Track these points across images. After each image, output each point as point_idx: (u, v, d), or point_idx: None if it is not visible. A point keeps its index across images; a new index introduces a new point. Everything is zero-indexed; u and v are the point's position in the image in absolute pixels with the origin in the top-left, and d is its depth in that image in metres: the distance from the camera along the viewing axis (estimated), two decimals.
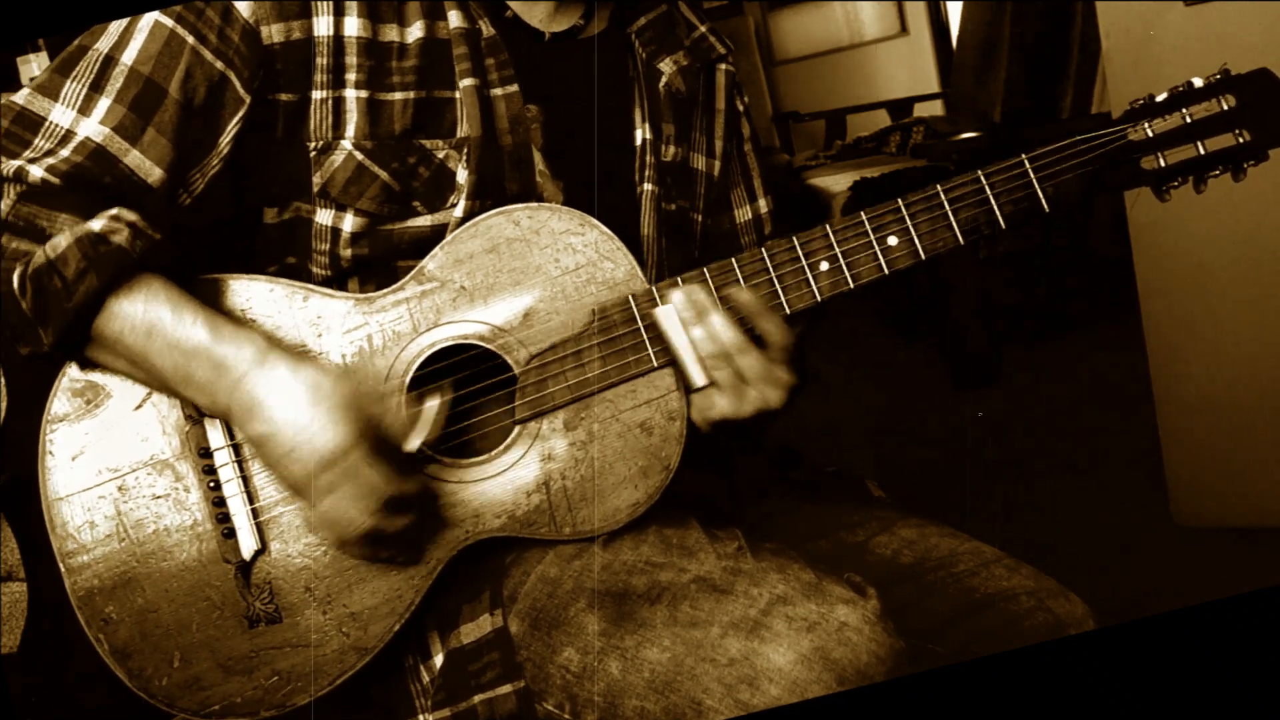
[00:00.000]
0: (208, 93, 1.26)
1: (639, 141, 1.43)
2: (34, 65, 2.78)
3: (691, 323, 1.27)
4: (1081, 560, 2.82)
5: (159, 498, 1.25)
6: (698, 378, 1.28)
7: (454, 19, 1.33)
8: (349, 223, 1.31)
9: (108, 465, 1.25)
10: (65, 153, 1.21)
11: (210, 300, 1.25)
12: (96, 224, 1.18)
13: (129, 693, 1.24)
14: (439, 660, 1.29)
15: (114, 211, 1.20)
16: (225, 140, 1.28)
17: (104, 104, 1.23)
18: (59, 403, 1.25)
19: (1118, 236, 3.14)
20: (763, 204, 1.61)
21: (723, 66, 1.55)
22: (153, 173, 1.24)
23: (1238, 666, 1.21)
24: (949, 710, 1.21)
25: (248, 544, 1.25)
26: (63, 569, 1.24)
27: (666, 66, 1.46)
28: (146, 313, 1.19)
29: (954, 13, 6.29)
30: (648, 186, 1.42)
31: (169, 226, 1.25)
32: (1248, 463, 2.89)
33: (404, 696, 1.31)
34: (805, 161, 5.64)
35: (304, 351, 1.26)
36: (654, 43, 1.47)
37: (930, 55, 6.54)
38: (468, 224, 1.28)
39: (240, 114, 1.28)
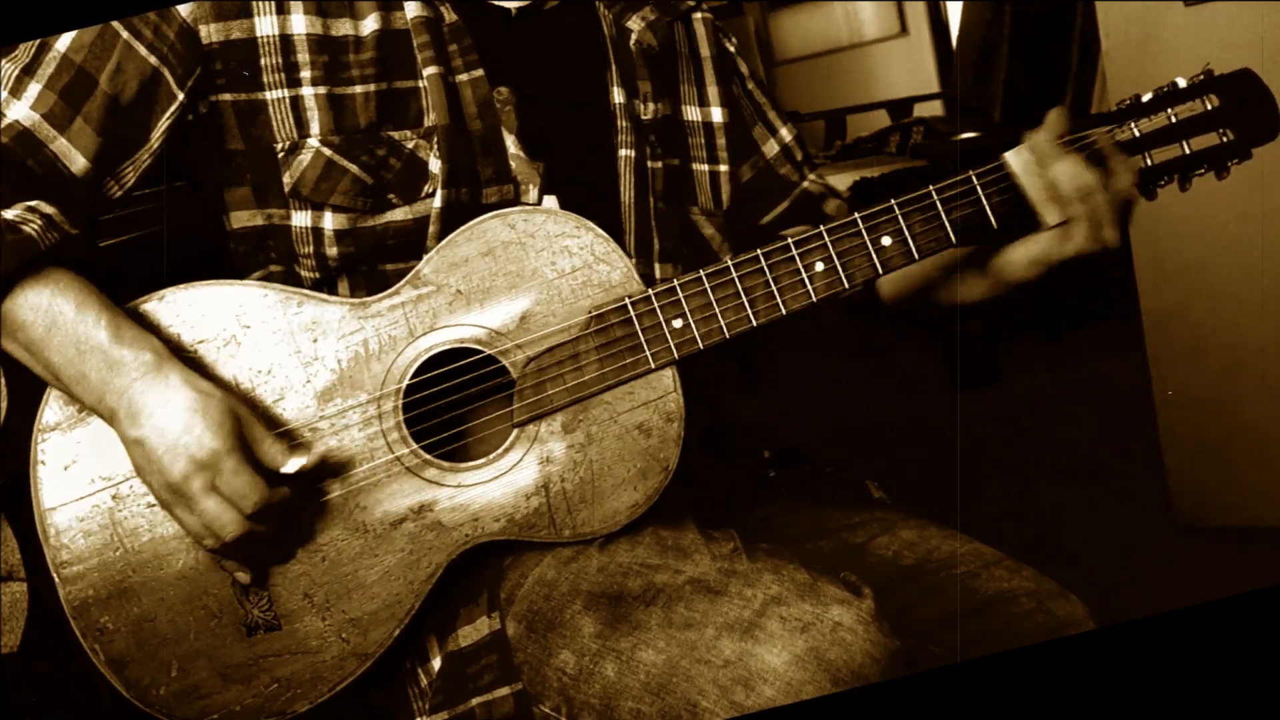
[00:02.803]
0: (139, 87, 1.26)
1: (613, 106, 1.43)
2: None
3: (1052, 159, 1.29)
4: (1081, 560, 2.82)
5: (153, 505, 1.24)
6: (1051, 215, 1.29)
7: (412, 8, 1.33)
8: (329, 221, 1.31)
9: (101, 474, 1.24)
10: None
11: (203, 308, 1.26)
12: (10, 213, 1.19)
13: (126, 699, 1.24)
14: (437, 663, 1.29)
15: (31, 202, 1.20)
16: (156, 135, 1.29)
17: (34, 89, 1.24)
18: (50, 412, 1.24)
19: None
20: (785, 133, 1.61)
21: (699, 15, 1.55)
22: (77, 161, 1.25)
23: (1238, 666, 1.21)
24: (949, 710, 1.21)
25: None
26: (57, 579, 1.23)
27: (634, 24, 1.46)
28: (51, 306, 1.19)
29: (954, 13, 6.28)
30: (625, 152, 1.42)
31: (88, 220, 1.26)
32: (1248, 463, 2.89)
33: (402, 700, 1.30)
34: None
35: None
36: (619, 2, 1.47)
37: (930, 55, 6.54)
38: (463, 227, 1.28)
39: (172, 110, 1.29)
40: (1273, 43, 2.58)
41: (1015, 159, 1.31)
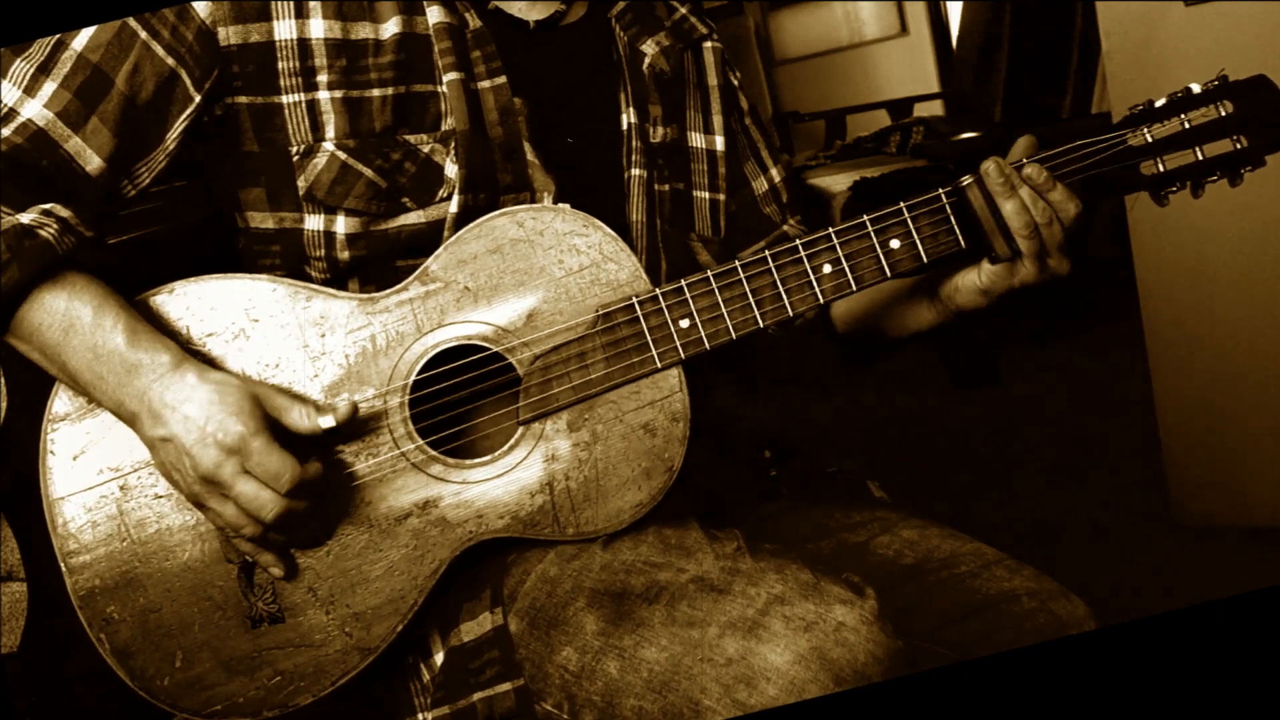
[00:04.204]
0: (156, 88, 1.26)
1: (625, 126, 1.44)
2: None
3: (1003, 195, 1.29)
4: (1081, 560, 2.83)
5: (161, 497, 1.25)
6: (1004, 249, 1.31)
7: (434, 14, 1.33)
8: (341, 225, 1.32)
9: (109, 464, 1.24)
10: (5, 132, 1.22)
11: (212, 301, 1.26)
12: (26, 217, 1.18)
13: (129, 692, 1.24)
14: (439, 658, 1.29)
15: (47, 206, 1.20)
16: (172, 137, 1.29)
17: (49, 87, 1.23)
18: (60, 402, 1.25)
19: (1117, 236, 3.14)
20: (775, 173, 1.62)
21: (709, 44, 1.56)
22: (92, 161, 1.24)
23: (1238, 666, 1.21)
24: (949, 710, 1.21)
25: None
26: (64, 569, 1.23)
27: (649, 48, 1.47)
28: (68, 310, 1.19)
29: (954, 13, 6.28)
30: (635, 171, 1.43)
31: (102, 222, 1.26)
32: (1248, 463, 2.89)
33: (404, 695, 1.31)
34: (805, 161, 5.63)
35: (302, 350, 1.27)
36: (634, 25, 1.48)
37: (930, 55, 6.54)
38: (471, 224, 1.28)
39: (189, 112, 1.28)
40: (1273, 43, 2.58)
41: (972, 191, 1.31)
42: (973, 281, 1.35)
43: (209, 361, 1.24)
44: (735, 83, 1.59)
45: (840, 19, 6.88)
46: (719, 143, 1.54)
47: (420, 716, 1.29)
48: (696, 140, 1.52)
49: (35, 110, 1.23)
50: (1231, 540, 2.88)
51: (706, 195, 1.53)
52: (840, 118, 6.07)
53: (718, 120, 1.54)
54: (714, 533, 1.28)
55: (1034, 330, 4.64)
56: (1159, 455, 3.02)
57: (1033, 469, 3.58)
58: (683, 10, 1.54)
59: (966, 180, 1.31)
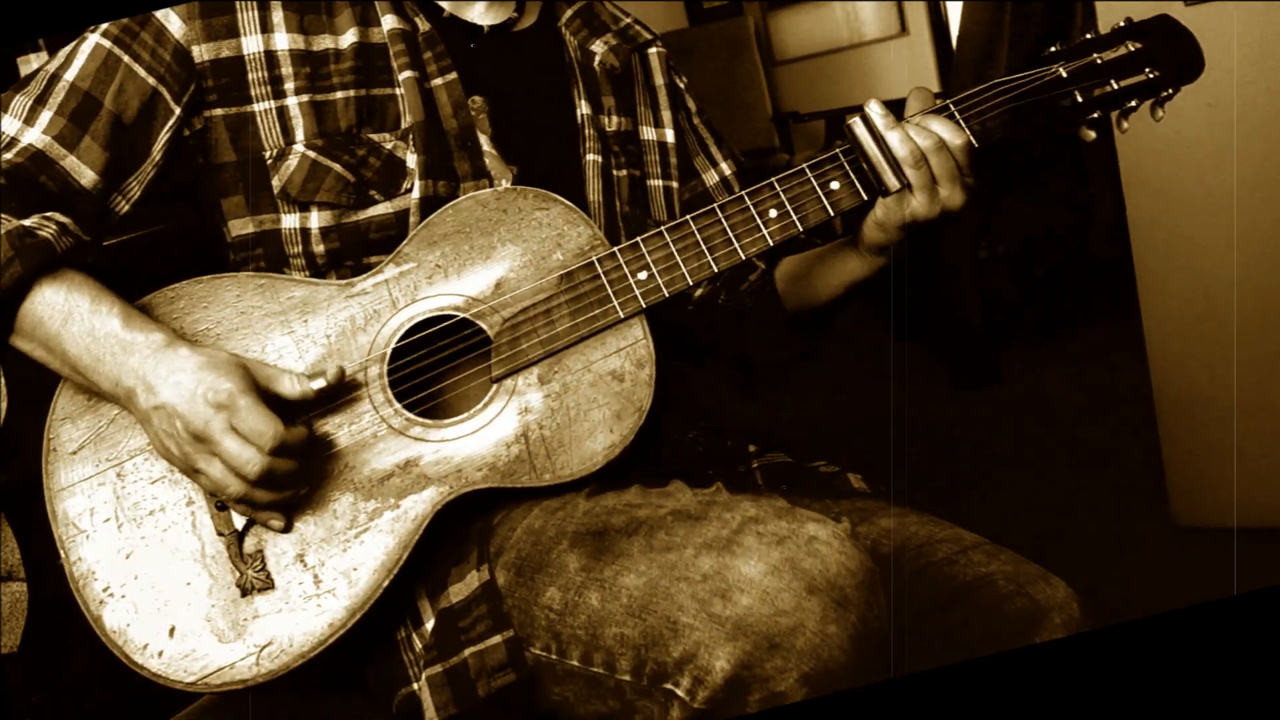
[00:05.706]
0: (141, 105, 1.37)
1: (579, 118, 1.52)
2: (34, 64, 2.81)
3: (887, 129, 1.35)
4: (1081, 560, 2.82)
5: (156, 480, 1.29)
6: (893, 181, 1.35)
7: (389, 22, 1.44)
8: (315, 219, 1.39)
9: (107, 456, 1.29)
10: (9, 155, 1.33)
11: (207, 300, 1.33)
12: (28, 220, 1.27)
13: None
14: (430, 625, 1.32)
15: (46, 213, 1.29)
16: (158, 148, 1.39)
17: (46, 115, 1.35)
18: (63, 402, 1.31)
19: (1117, 236, 3.14)
20: (725, 167, 1.70)
21: (653, 50, 1.65)
22: (87, 175, 1.35)
23: (1237, 666, 1.21)
24: (948, 711, 1.20)
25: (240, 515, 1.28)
26: (63, 553, 1.27)
27: (598, 47, 1.57)
28: (67, 301, 1.26)
29: (954, 13, 6.28)
30: (591, 157, 1.51)
31: (98, 232, 1.35)
32: (1248, 463, 2.89)
33: (398, 668, 1.34)
34: (805, 162, 5.63)
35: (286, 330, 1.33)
36: (583, 30, 1.58)
37: (930, 55, 6.52)
38: (439, 210, 1.35)
39: (171, 124, 1.39)
40: (1273, 43, 2.58)
41: (856, 126, 1.37)
42: (870, 218, 1.41)
43: None
44: (681, 85, 1.69)
45: (840, 19, 6.87)
46: (669, 135, 1.63)
47: (414, 685, 1.31)
48: (648, 134, 1.61)
49: (35, 136, 1.34)
50: (1231, 540, 2.87)
51: (660, 183, 1.60)
52: (840, 118, 6.05)
53: (666, 115, 1.63)
54: (696, 486, 1.31)
55: (1034, 330, 4.63)
56: (1159, 455, 3.01)
57: (1032, 469, 3.58)
58: (628, 19, 1.64)
59: (855, 121, 1.37)
